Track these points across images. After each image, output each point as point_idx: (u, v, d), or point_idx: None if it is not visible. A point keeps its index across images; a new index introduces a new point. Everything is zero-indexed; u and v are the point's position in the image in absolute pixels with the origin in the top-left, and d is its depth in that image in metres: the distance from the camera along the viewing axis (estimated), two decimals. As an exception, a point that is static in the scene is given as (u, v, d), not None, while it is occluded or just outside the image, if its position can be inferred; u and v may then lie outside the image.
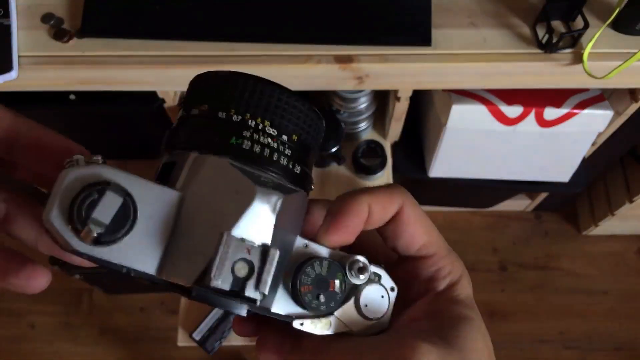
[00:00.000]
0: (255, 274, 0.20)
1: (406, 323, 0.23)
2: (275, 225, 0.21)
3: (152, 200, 0.21)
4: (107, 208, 0.20)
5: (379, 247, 0.25)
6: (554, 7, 0.63)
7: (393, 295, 0.23)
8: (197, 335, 0.78)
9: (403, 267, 0.25)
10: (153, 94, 0.73)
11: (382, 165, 0.89)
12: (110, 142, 0.97)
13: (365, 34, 0.65)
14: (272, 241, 0.21)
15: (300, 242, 0.23)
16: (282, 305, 0.22)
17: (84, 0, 0.66)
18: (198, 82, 0.24)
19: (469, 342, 0.22)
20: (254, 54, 0.64)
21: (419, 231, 0.24)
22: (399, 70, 0.65)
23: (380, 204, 0.23)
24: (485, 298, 1.23)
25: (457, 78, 0.67)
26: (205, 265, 0.20)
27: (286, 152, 0.22)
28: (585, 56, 0.62)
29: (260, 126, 0.22)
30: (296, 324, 0.22)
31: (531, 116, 0.76)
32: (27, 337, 1.21)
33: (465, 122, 0.78)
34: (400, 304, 0.24)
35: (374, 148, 0.90)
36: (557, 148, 0.84)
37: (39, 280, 0.24)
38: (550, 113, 0.76)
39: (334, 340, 0.22)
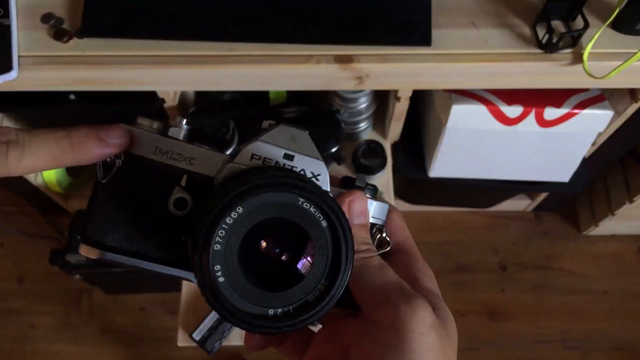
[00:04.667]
0: None
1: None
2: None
3: None
4: None
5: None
6: (554, 7, 0.63)
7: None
8: (197, 336, 0.78)
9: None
10: (153, 94, 0.73)
11: (382, 165, 0.89)
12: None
13: (365, 34, 0.65)
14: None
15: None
16: None
17: (84, 0, 0.66)
18: None
19: (453, 329, 0.25)
20: (254, 54, 0.64)
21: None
22: (399, 70, 0.65)
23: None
24: (485, 298, 1.23)
25: (457, 78, 0.67)
26: None
27: None
28: (585, 56, 0.62)
29: None
30: None
31: (531, 116, 0.76)
32: (27, 337, 1.21)
33: (465, 122, 0.78)
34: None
35: (374, 148, 0.90)
36: (557, 148, 0.84)
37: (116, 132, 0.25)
38: (550, 113, 0.76)
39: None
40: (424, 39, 0.64)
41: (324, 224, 0.23)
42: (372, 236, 0.28)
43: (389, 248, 0.28)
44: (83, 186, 1.17)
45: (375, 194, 0.29)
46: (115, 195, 0.25)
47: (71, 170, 1.10)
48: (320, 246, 0.23)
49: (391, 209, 0.29)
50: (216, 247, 0.22)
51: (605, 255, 1.27)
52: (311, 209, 0.23)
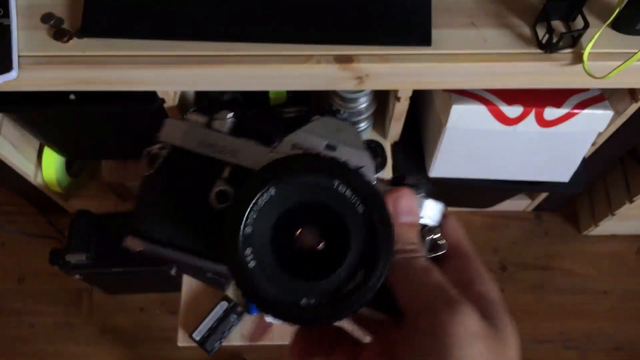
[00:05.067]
0: None
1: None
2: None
3: None
4: None
5: None
6: (554, 7, 0.63)
7: None
8: (197, 336, 0.78)
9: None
10: (153, 94, 0.73)
11: (382, 165, 0.89)
12: (110, 142, 0.97)
13: (365, 34, 0.65)
14: None
15: None
16: None
17: (84, 0, 0.66)
18: None
19: (511, 339, 0.23)
20: (253, 54, 0.64)
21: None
22: (399, 70, 0.65)
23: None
24: (485, 298, 1.23)
25: (457, 78, 0.67)
26: None
27: None
28: (585, 56, 0.62)
29: None
30: None
31: (531, 116, 0.76)
32: (27, 337, 1.21)
33: (465, 122, 0.78)
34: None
35: (374, 148, 0.90)
36: (557, 148, 0.84)
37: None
38: (550, 113, 0.76)
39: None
40: (424, 39, 0.64)
41: (360, 209, 0.22)
42: (423, 238, 0.26)
43: (443, 252, 0.26)
44: (83, 186, 1.17)
45: (429, 193, 0.27)
46: (159, 188, 0.25)
47: (71, 170, 1.10)
48: (356, 233, 0.22)
49: (447, 213, 0.27)
50: (247, 229, 0.21)
51: (605, 255, 1.27)
52: (346, 192, 0.22)
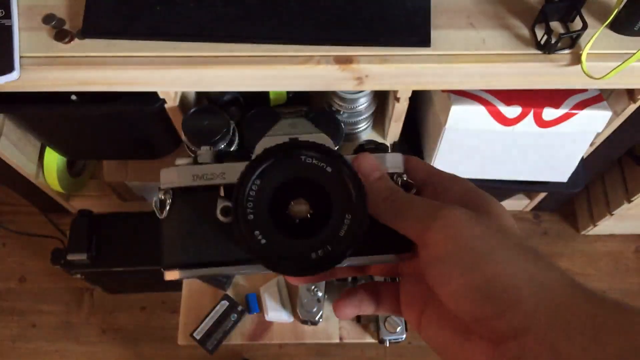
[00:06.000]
0: None
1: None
2: None
3: None
4: None
5: None
6: (552, 8, 0.63)
7: None
8: (197, 335, 0.78)
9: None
10: (154, 94, 0.74)
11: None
12: (111, 143, 0.97)
13: (365, 35, 0.65)
14: None
15: None
16: None
17: (85, 1, 0.66)
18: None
19: (495, 207, 0.27)
20: (254, 54, 0.65)
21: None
22: (398, 71, 0.65)
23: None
24: (484, 297, 1.23)
25: (456, 79, 0.67)
26: None
27: None
28: (583, 57, 0.62)
29: None
30: None
31: (530, 117, 0.76)
32: (28, 337, 1.22)
33: (465, 122, 0.78)
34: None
35: (374, 148, 0.90)
36: (555, 148, 0.84)
37: None
38: (549, 113, 0.76)
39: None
40: (424, 40, 0.64)
41: (329, 169, 0.27)
42: (396, 184, 0.30)
43: (415, 189, 0.30)
44: (84, 186, 1.17)
45: (386, 150, 0.32)
46: (174, 225, 0.30)
47: (72, 170, 1.10)
48: (332, 189, 0.27)
49: (408, 156, 0.31)
50: (250, 217, 0.26)
51: (604, 255, 1.27)
52: (313, 161, 0.27)
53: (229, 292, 0.81)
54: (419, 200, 0.27)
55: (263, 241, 0.26)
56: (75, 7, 0.66)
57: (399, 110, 0.81)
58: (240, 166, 0.28)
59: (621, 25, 0.64)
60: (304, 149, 0.27)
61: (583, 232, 1.28)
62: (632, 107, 0.75)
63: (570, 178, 0.92)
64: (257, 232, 0.26)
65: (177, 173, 0.30)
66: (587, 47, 0.62)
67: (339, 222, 0.27)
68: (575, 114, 0.76)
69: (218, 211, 0.29)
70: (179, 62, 0.65)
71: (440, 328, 0.27)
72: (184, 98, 0.79)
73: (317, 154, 0.27)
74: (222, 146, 0.78)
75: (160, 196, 0.30)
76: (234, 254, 0.29)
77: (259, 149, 0.28)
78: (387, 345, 0.72)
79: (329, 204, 0.27)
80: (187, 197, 0.30)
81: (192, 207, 0.30)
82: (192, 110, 0.77)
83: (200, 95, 0.86)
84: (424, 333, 0.28)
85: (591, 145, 0.87)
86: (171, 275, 0.29)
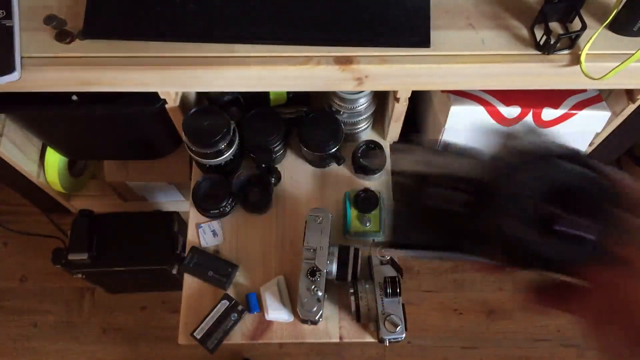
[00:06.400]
0: None
1: None
2: None
3: None
4: None
5: None
6: (551, 9, 0.64)
7: None
8: (198, 334, 0.78)
9: None
10: (154, 94, 0.74)
11: (382, 165, 0.89)
12: (112, 143, 0.98)
13: (365, 36, 0.65)
14: None
15: None
16: None
17: (86, 2, 0.66)
18: None
19: None
20: (254, 55, 0.65)
21: None
22: (398, 72, 0.65)
23: None
24: (483, 297, 1.23)
25: (456, 79, 0.67)
26: None
27: None
28: (582, 57, 0.62)
29: None
30: None
31: (529, 117, 0.76)
32: (30, 336, 1.22)
33: (464, 122, 0.79)
34: None
35: (374, 148, 0.90)
36: (555, 148, 0.84)
37: None
38: (548, 114, 0.76)
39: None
40: (423, 41, 0.64)
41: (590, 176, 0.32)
42: None
43: None
44: (85, 186, 1.17)
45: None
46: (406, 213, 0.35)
47: (73, 170, 1.10)
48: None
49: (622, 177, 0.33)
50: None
51: (604, 255, 1.27)
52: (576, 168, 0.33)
53: (229, 292, 0.81)
54: None
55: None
56: (76, 8, 0.67)
57: (398, 111, 0.81)
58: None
59: (620, 25, 0.64)
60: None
61: (583, 232, 1.28)
62: (631, 108, 0.75)
63: (569, 178, 0.92)
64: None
65: (412, 160, 0.34)
66: (586, 47, 0.62)
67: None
68: (574, 114, 0.76)
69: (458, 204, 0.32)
70: (179, 63, 0.65)
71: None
72: (184, 98, 0.79)
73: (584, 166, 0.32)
74: (222, 146, 0.78)
75: (399, 178, 0.33)
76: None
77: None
78: (387, 344, 0.72)
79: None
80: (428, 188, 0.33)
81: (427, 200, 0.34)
82: (192, 110, 0.77)
83: (200, 95, 0.86)
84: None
85: (590, 145, 0.87)
86: (388, 253, 0.34)
